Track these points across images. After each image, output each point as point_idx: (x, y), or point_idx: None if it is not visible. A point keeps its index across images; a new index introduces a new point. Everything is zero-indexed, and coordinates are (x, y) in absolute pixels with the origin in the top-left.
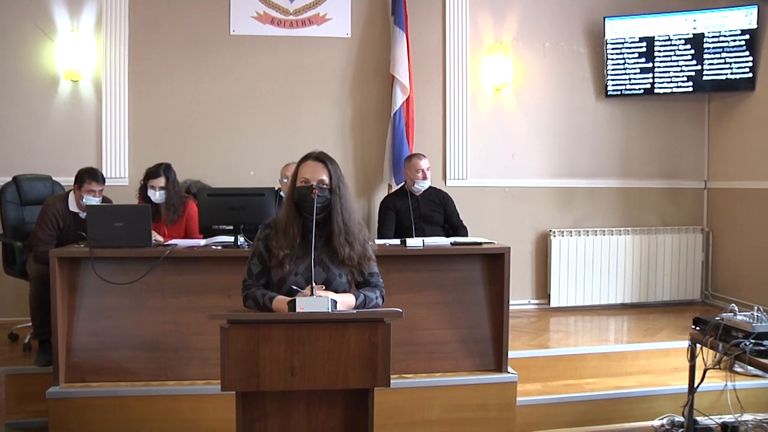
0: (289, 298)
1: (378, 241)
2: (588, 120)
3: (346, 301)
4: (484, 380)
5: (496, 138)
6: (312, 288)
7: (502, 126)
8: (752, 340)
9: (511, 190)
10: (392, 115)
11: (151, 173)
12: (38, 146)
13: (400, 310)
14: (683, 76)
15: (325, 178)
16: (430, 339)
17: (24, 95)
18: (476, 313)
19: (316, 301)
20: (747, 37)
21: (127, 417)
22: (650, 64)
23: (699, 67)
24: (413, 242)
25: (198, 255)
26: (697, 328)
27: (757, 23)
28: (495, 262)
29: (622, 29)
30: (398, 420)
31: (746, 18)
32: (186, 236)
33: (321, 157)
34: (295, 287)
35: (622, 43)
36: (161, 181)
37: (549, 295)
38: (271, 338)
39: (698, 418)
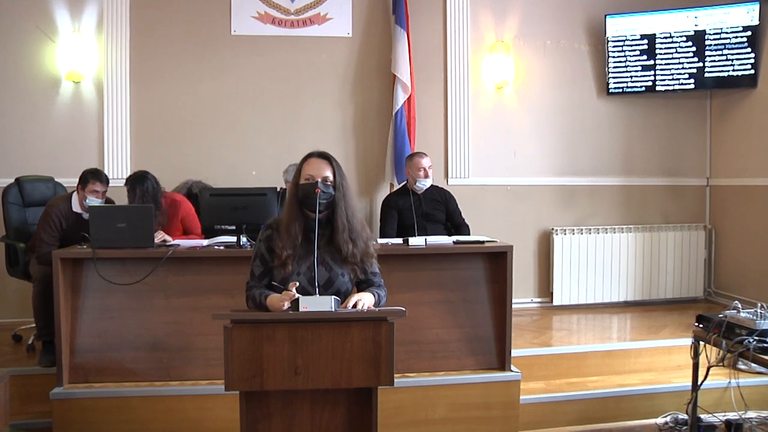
0: (283, 288)
1: (380, 240)
2: (589, 118)
3: (371, 300)
4: (488, 379)
5: (498, 136)
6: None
7: (503, 124)
8: (756, 337)
9: (513, 189)
10: (394, 114)
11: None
12: (40, 147)
13: (404, 309)
14: (685, 74)
15: (329, 175)
16: (433, 338)
17: (26, 96)
18: (479, 311)
19: (319, 300)
20: (749, 33)
21: (130, 417)
22: (652, 62)
23: (701, 64)
24: (416, 241)
25: (200, 255)
26: (701, 326)
27: (759, 19)
28: (497, 260)
29: (623, 27)
30: (402, 419)
31: (748, 14)
32: (185, 235)
33: (324, 155)
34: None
35: (624, 40)
36: (129, 195)
37: (552, 294)
38: (274, 338)
39: (702, 416)
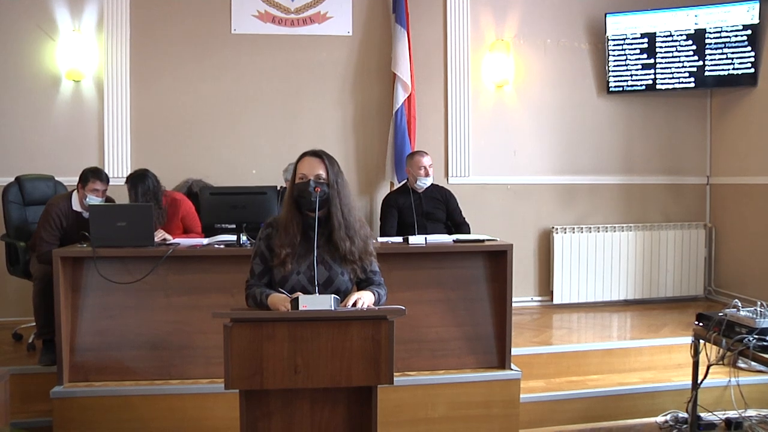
0: (284, 294)
1: (380, 239)
2: (590, 116)
3: (371, 299)
4: (488, 377)
5: (498, 135)
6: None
7: (503, 123)
8: (756, 336)
9: (513, 187)
10: (394, 112)
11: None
12: (41, 146)
13: (403, 308)
14: (685, 72)
15: (322, 172)
16: (433, 336)
17: (26, 95)
18: (479, 310)
19: (319, 299)
20: (749, 32)
21: (131, 416)
22: (652, 60)
23: (701, 63)
24: (416, 240)
25: (200, 254)
26: (701, 324)
27: (759, 18)
28: (497, 259)
29: (623, 25)
30: (402, 418)
31: (748, 13)
32: (185, 233)
33: (318, 153)
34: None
35: (624, 39)
36: (130, 194)
37: (552, 292)
38: (274, 336)
39: (702, 414)
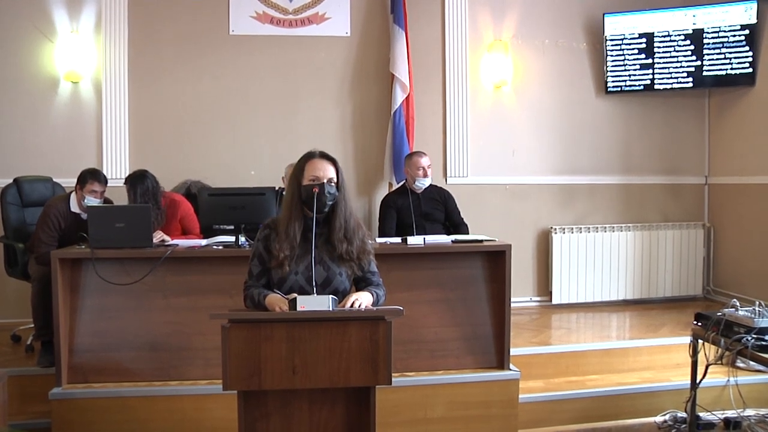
0: (282, 295)
1: (379, 240)
2: (588, 116)
3: (369, 299)
4: (486, 378)
5: (497, 135)
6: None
7: (502, 123)
8: (754, 335)
9: (512, 188)
10: (392, 113)
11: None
12: (39, 148)
13: (401, 308)
14: (683, 72)
15: (334, 176)
16: (431, 337)
17: (24, 97)
18: (478, 310)
19: (317, 299)
20: (746, 32)
21: (129, 417)
22: (650, 60)
23: (699, 63)
24: (414, 240)
25: (199, 255)
26: (699, 324)
27: (757, 18)
28: (496, 259)
29: (621, 25)
30: (400, 418)
31: (746, 13)
32: (184, 234)
33: (328, 156)
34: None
35: (622, 39)
36: (129, 194)
37: (550, 292)
38: (272, 337)
39: (701, 414)
